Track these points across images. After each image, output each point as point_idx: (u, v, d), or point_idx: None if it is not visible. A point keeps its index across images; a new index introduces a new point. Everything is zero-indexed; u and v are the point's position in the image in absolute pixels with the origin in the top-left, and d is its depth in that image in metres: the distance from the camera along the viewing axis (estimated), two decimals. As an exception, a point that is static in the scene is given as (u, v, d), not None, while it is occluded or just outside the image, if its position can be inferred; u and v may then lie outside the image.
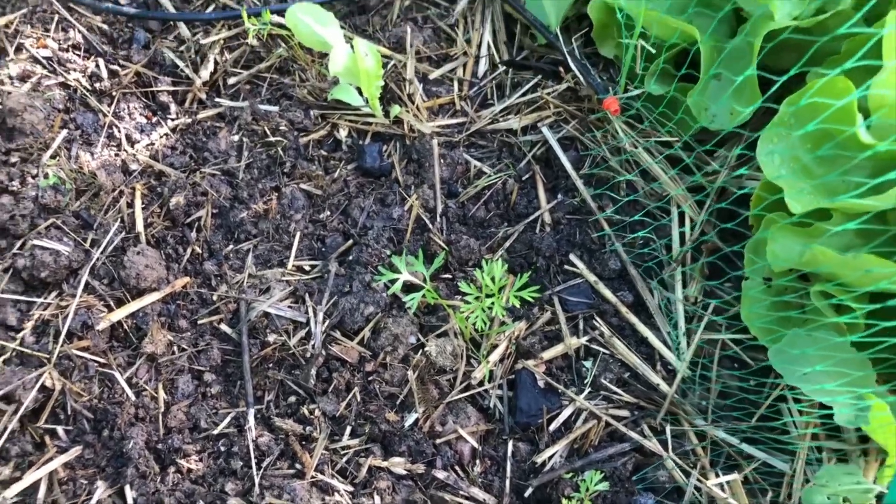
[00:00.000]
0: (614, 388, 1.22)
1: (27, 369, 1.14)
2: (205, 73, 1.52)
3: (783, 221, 1.16)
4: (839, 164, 1.11)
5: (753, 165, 1.31)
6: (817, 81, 1.08)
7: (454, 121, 1.49)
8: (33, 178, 1.32)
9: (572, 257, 1.34)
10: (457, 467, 1.15)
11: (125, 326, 1.21)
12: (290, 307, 1.26)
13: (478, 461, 1.16)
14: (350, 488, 1.10)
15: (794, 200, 1.11)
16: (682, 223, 1.35)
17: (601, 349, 1.26)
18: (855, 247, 1.14)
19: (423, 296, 1.13)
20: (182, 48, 1.56)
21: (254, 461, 1.10)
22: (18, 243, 1.25)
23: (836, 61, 1.24)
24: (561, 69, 1.48)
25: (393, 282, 1.15)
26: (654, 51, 1.31)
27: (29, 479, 1.06)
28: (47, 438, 1.12)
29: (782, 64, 1.29)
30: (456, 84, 1.55)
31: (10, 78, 1.44)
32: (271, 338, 1.23)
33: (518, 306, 1.25)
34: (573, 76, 1.46)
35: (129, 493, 1.07)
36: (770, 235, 1.18)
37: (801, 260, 1.14)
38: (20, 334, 1.17)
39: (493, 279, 1.10)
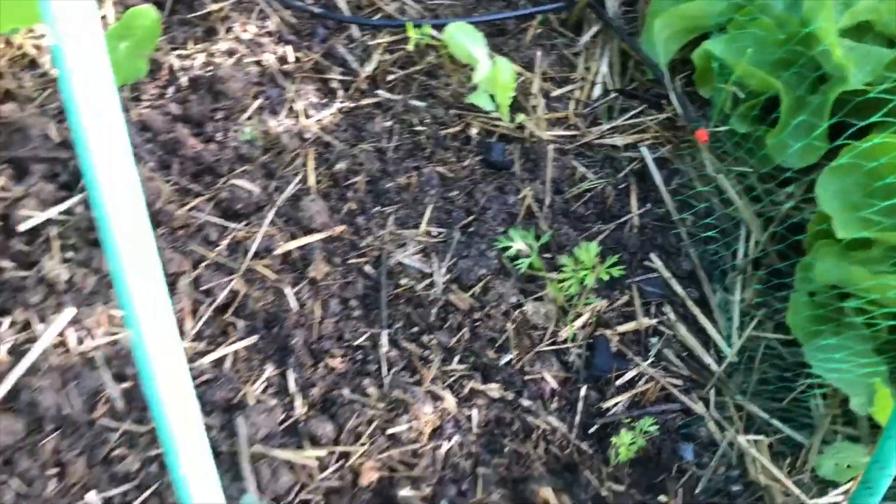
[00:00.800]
0: (674, 360, 1.50)
1: (221, 274, 1.49)
2: (368, 69, 1.86)
3: (830, 245, 1.43)
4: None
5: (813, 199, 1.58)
6: (872, 138, 1.36)
7: (567, 133, 1.80)
8: (234, 132, 1.68)
9: (652, 256, 1.63)
10: (539, 400, 1.44)
11: (294, 255, 1.55)
12: (419, 260, 1.58)
13: (555, 399, 1.45)
14: (455, 400, 1.41)
15: (841, 229, 1.38)
16: (747, 240, 1.62)
17: (666, 330, 1.54)
18: (888, 272, 1.39)
19: (530, 264, 1.43)
20: (352, 45, 1.91)
21: (384, 367, 1.42)
22: (220, 181, 1.60)
23: None
24: (664, 102, 1.77)
25: (507, 248, 1.46)
26: (742, 95, 1.59)
27: (219, 353, 1.40)
28: (230, 328, 1.46)
29: (853, 116, 1.54)
30: (572, 103, 1.85)
31: (221, 52, 1.81)
32: (403, 281, 1.55)
33: (603, 284, 1.54)
34: (673, 109, 1.75)
35: (291, 376, 1.40)
36: (818, 256, 1.45)
37: (840, 278, 1.41)
38: (217, 248, 1.52)
39: (589, 254, 1.40)
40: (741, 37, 1.68)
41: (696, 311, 1.57)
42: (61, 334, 1.36)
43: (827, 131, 1.54)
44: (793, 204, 1.62)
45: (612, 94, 1.85)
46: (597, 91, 1.87)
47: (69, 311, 1.38)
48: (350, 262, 1.58)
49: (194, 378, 1.36)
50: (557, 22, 2.00)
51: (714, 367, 1.50)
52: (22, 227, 1.45)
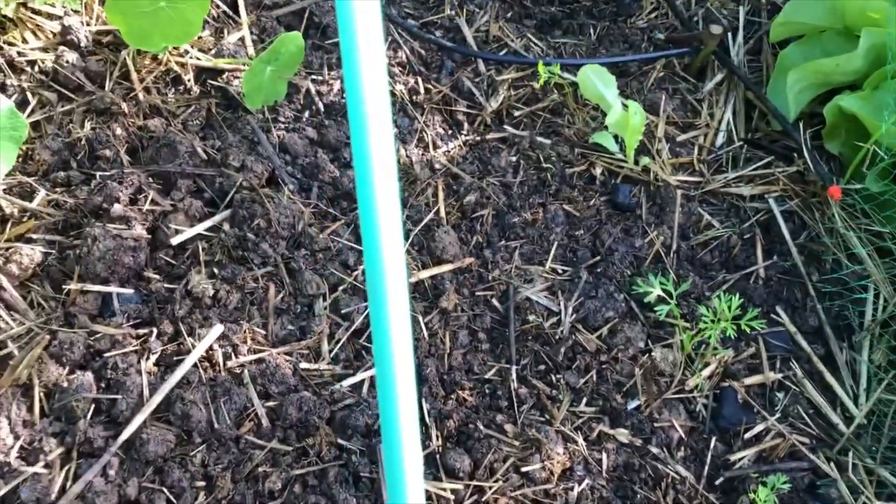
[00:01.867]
0: (801, 417, 1.49)
1: (358, 299, 1.53)
2: (494, 103, 1.90)
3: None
4: None
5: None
6: None
7: (692, 178, 1.81)
8: (368, 159, 1.72)
9: (778, 309, 1.62)
10: (666, 448, 1.45)
11: (426, 284, 1.58)
12: (546, 297, 1.60)
13: (682, 448, 1.45)
14: (585, 443, 1.42)
15: None
16: (876, 300, 1.61)
17: (792, 386, 1.54)
18: None
19: (669, 311, 1.44)
20: (478, 80, 1.94)
21: (515, 403, 1.44)
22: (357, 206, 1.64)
23: None
24: (795, 155, 1.77)
25: (646, 294, 1.47)
26: (885, 157, 1.59)
27: (357, 377, 1.44)
28: (364, 352, 1.49)
29: None
30: (696, 149, 1.86)
31: (355, 80, 1.86)
32: (531, 318, 1.57)
33: (732, 338, 1.54)
34: (803, 162, 1.75)
35: (425, 405, 1.42)
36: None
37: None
38: (354, 273, 1.56)
39: (729, 308, 1.41)
40: (877, 95, 1.68)
41: (822, 368, 1.56)
42: (209, 349, 1.41)
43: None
44: (924, 267, 1.61)
45: (738, 143, 1.86)
46: (720, 139, 1.88)
47: (218, 328, 1.42)
48: (478, 294, 1.60)
49: (335, 402, 1.40)
50: (681, 67, 2.01)
51: (842, 427, 1.49)
52: (174, 241, 1.51)
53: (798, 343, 1.59)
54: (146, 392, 1.35)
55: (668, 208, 1.74)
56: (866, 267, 1.63)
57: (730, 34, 2.04)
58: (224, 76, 1.85)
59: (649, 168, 1.80)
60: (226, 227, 1.56)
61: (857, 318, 1.61)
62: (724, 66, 1.97)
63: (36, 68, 1.75)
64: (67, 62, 1.77)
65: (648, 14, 2.11)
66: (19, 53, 1.75)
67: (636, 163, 1.81)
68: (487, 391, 1.48)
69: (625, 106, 1.74)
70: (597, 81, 1.77)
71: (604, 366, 1.52)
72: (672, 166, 1.83)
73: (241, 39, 1.93)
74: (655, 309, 1.44)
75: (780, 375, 1.55)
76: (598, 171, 1.82)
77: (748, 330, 1.43)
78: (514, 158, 1.82)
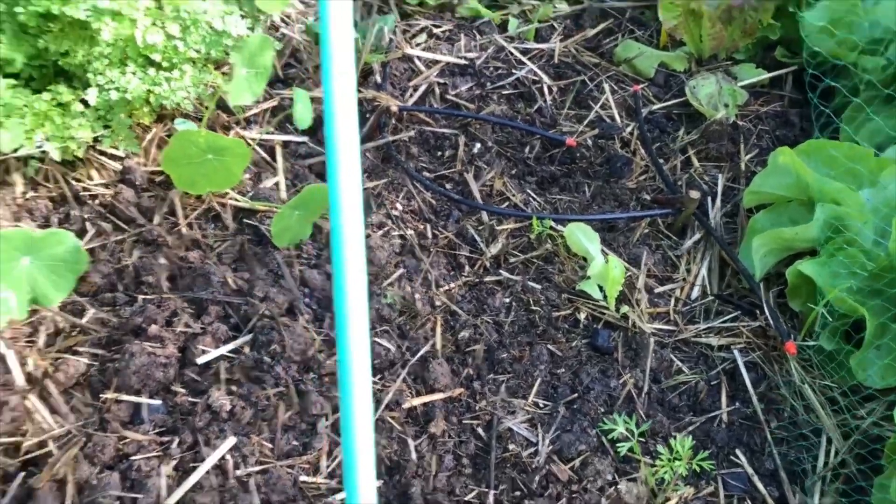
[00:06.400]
0: (753, 555, 1.63)
1: (356, 421, 1.72)
2: (493, 250, 2.13)
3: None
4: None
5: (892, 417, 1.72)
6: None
7: (667, 327, 2.01)
8: (377, 295, 1.95)
9: (738, 451, 1.78)
10: (626, 576, 1.58)
11: (418, 411, 1.77)
12: (526, 429, 1.78)
13: (641, 577, 1.59)
14: (550, 565, 1.56)
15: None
16: (828, 448, 1.76)
17: (747, 525, 1.68)
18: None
19: (630, 448, 1.61)
20: (480, 228, 2.19)
21: (490, 526, 1.60)
22: (363, 337, 1.86)
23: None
24: (757, 311, 1.97)
25: (611, 430, 1.64)
26: (830, 319, 1.78)
27: (349, 492, 1.61)
28: (358, 470, 1.67)
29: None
30: (673, 301, 2.07)
31: (371, 225, 2.12)
32: (511, 447, 1.74)
33: (691, 473, 1.69)
34: (765, 319, 1.94)
35: (408, 522, 1.59)
36: (896, 477, 1.58)
37: (917, 500, 1.54)
38: (354, 397, 1.76)
39: (683, 448, 1.58)
40: (832, 262, 1.89)
41: (776, 510, 1.70)
42: (222, 458, 1.60)
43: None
44: (874, 419, 1.77)
45: (710, 297, 2.06)
46: (695, 292, 2.09)
47: (231, 440, 1.62)
48: (465, 422, 1.79)
49: (328, 512, 1.57)
50: (664, 225, 2.25)
51: (791, 567, 1.62)
52: (200, 361, 1.73)
53: (755, 484, 1.74)
54: (164, 493, 1.53)
55: (642, 353, 1.93)
56: (819, 417, 1.79)
57: (710, 198, 2.29)
58: (258, 216, 2.11)
59: (628, 316, 2.00)
60: (246, 350, 1.78)
61: (810, 464, 1.76)
62: (703, 226, 2.20)
63: (97, 201, 2.04)
64: (124, 198, 2.05)
65: (638, 176, 2.37)
66: (84, 188, 2.04)
67: (617, 310, 2.01)
68: (466, 513, 1.64)
69: (607, 259, 1.97)
70: (581, 237, 2.01)
71: (574, 495, 1.68)
72: (649, 315, 2.03)
73: (276, 184, 2.21)
74: (619, 445, 1.61)
75: (736, 514, 1.69)
76: (582, 315, 2.03)
77: (709, 469, 1.58)
78: (507, 300, 2.03)
